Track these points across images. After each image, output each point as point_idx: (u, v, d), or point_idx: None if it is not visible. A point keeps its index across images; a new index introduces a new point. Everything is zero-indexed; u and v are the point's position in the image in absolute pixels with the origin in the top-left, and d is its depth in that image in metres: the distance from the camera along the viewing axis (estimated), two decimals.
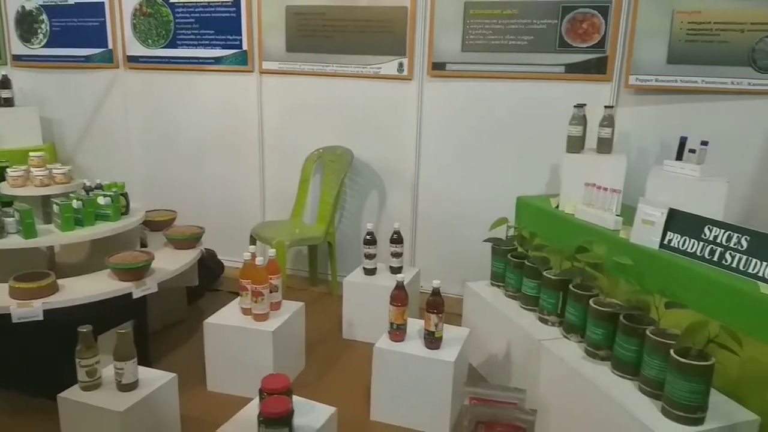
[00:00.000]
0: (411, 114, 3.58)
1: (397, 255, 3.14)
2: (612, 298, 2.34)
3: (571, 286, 2.44)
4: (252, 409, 2.05)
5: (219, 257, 3.91)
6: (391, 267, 3.17)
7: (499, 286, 2.97)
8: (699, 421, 1.87)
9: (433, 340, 2.42)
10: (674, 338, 1.95)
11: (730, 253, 2.15)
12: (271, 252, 2.70)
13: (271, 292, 2.64)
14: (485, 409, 1.70)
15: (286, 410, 1.81)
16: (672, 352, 1.88)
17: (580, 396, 2.18)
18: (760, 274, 2.05)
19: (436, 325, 2.40)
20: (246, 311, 2.66)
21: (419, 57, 3.47)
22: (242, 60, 3.86)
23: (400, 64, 3.50)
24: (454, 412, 2.43)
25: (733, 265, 2.13)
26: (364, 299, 3.10)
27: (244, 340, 2.59)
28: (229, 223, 4.09)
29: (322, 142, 3.79)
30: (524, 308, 2.73)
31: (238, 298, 2.71)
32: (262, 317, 2.61)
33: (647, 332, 2.02)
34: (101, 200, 2.96)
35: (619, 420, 1.97)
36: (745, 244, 2.12)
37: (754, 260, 2.08)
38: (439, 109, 3.53)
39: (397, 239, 3.12)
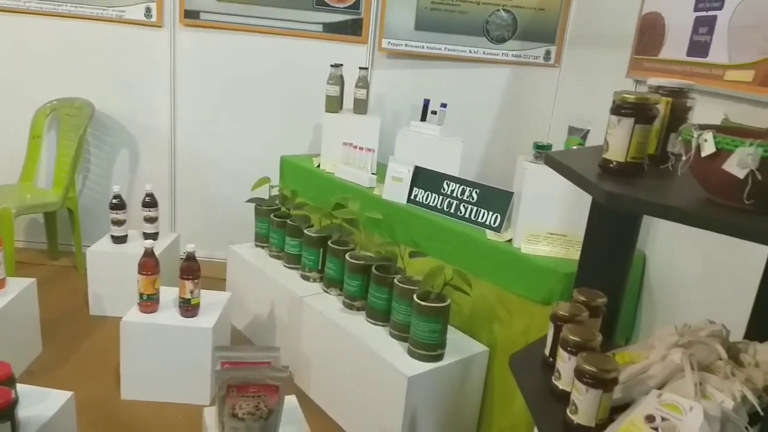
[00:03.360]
0: (163, 65, 3.29)
1: (150, 220, 2.89)
2: (367, 251, 2.46)
3: (329, 242, 2.50)
4: None
5: None
6: (144, 233, 2.91)
7: (263, 247, 2.93)
8: (439, 358, 2.07)
9: (189, 308, 2.29)
10: (417, 284, 2.11)
11: (463, 205, 2.39)
12: None
13: None
14: (236, 372, 1.65)
15: (5, 402, 1.56)
16: (415, 296, 2.03)
17: (338, 346, 2.26)
18: (487, 223, 2.31)
19: (192, 292, 2.27)
20: None
21: (169, 2, 3.17)
22: None
23: (148, 9, 3.16)
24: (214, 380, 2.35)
25: (466, 215, 2.38)
26: (112, 270, 2.81)
27: None
28: None
29: (56, 93, 3.29)
30: (287, 267, 2.74)
31: None
32: None
33: (395, 281, 2.16)
34: None
35: (372, 364, 2.10)
36: (475, 196, 2.37)
37: (482, 210, 2.34)
38: (195, 61, 3.30)
39: (150, 203, 2.87)
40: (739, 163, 0.87)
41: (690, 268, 2.02)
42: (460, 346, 2.17)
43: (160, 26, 3.21)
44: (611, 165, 1.11)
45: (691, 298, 1.99)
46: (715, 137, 0.90)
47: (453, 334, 2.20)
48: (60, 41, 3.26)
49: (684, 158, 0.96)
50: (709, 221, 0.91)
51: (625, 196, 0.98)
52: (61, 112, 3.29)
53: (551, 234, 2.12)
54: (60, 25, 3.22)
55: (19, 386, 1.72)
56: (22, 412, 1.65)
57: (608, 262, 1.43)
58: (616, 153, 1.09)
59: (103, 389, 2.34)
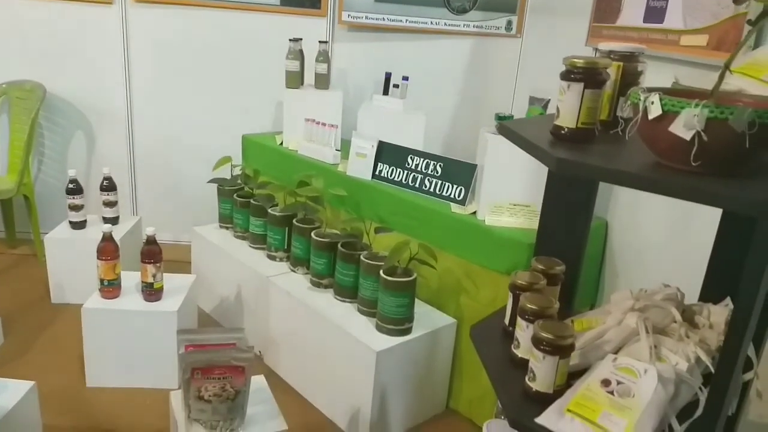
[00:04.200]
0: (116, 44, 3.17)
1: (110, 204, 2.82)
2: (333, 228, 2.43)
3: (294, 221, 2.47)
4: None
5: None
6: (104, 218, 2.84)
7: (227, 228, 2.89)
8: (407, 332, 2.07)
9: (152, 292, 2.24)
10: (383, 260, 2.10)
11: (428, 179, 2.38)
12: None
13: None
14: (200, 355, 1.63)
15: None
16: (381, 272, 2.02)
17: (306, 324, 2.25)
18: (452, 196, 2.31)
19: (154, 276, 2.22)
20: None
21: None
22: None
23: None
24: None
25: (431, 189, 2.36)
26: (72, 257, 2.74)
27: None
28: None
29: (5, 76, 3.16)
30: (253, 247, 2.71)
31: None
32: None
33: (361, 257, 2.15)
34: None
35: (341, 340, 2.09)
36: (439, 170, 2.36)
37: (447, 184, 2.33)
38: (150, 39, 3.19)
39: (108, 186, 2.80)
40: (685, 125, 0.87)
41: (650, 234, 2.04)
42: (427, 319, 2.18)
43: (110, 3, 3.09)
44: (562, 131, 1.10)
45: (653, 263, 2.02)
46: (661, 99, 0.89)
47: (420, 308, 2.20)
48: (6, 22, 3.11)
49: (633, 122, 0.95)
50: (657, 184, 0.91)
51: (575, 162, 0.98)
52: (11, 96, 3.17)
53: (514, 205, 2.13)
54: (5, 5, 3.08)
55: None
56: None
57: (566, 229, 1.44)
58: (567, 119, 1.08)
59: (68, 378, 2.30)
